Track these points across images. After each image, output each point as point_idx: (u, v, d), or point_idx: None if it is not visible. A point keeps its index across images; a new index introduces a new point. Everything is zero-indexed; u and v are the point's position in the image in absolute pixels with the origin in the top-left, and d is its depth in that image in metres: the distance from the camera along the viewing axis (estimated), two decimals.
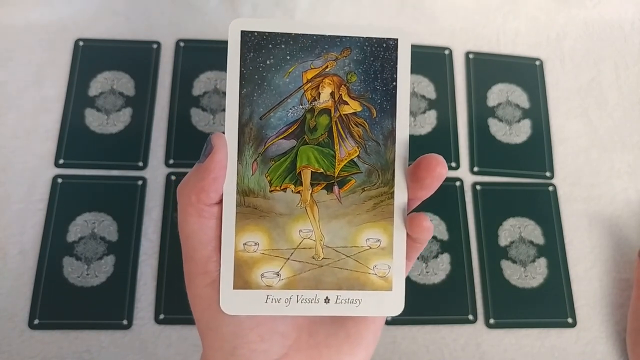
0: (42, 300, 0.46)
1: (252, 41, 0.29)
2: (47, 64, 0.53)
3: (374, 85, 0.30)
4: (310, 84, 0.29)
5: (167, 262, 0.48)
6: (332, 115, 0.30)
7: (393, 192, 0.29)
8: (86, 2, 0.56)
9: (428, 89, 0.55)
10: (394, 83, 0.30)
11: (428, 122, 0.54)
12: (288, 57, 0.29)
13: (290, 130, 0.29)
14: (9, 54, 0.54)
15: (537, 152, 0.54)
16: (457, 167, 0.53)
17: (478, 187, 0.52)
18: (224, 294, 0.28)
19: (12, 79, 0.53)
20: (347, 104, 0.30)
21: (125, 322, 0.46)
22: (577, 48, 0.59)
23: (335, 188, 0.30)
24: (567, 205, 0.52)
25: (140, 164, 0.50)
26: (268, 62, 0.29)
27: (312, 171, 0.29)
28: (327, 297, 0.29)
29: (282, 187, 0.29)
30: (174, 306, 0.46)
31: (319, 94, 0.30)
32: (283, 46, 0.29)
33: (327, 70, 0.29)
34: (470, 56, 0.57)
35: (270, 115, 0.29)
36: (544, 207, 0.52)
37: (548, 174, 0.53)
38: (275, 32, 0.29)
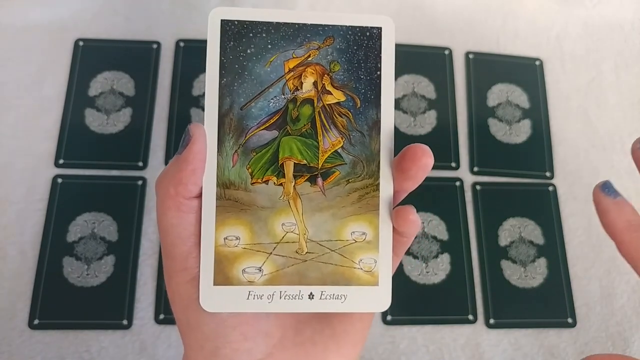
0: (42, 300, 0.46)
1: (232, 30, 0.28)
2: (47, 64, 0.53)
3: (357, 75, 0.29)
4: (292, 73, 0.29)
5: None
6: (315, 105, 0.29)
7: (378, 183, 0.29)
8: (86, 2, 0.56)
9: (428, 89, 0.55)
10: (378, 72, 0.29)
11: (428, 122, 0.54)
12: (269, 46, 0.28)
13: (272, 121, 0.29)
14: (9, 54, 0.54)
15: (537, 152, 0.54)
16: (457, 167, 0.53)
17: (478, 187, 0.52)
18: (203, 290, 0.27)
19: (12, 79, 0.53)
20: (331, 93, 0.29)
21: (125, 322, 0.46)
22: (577, 48, 0.59)
23: (319, 180, 0.29)
24: (567, 205, 0.52)
25: (140, 164, 0.50)
26: (249, 51, 0.28)
27: (294, 163, 0.29)
28: (311, 293, 0.28)
29: (264, 180, 0.28)
30: None
31: (302, 83, 0.29)
32: (264, 35, 0.28)
33: (309, 59, 0.29)
34: (470, 56, 0.57)
35: (251, 105, 0.28)
36: (544, 207, 0.52)
37: (548, 174, 0.53)
38: (256, 21, 0.28)
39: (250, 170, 0.28)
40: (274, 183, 0.28)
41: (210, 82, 0.28)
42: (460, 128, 0.55)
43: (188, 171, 0.27)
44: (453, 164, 0.53)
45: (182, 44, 0.55)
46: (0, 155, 0.50)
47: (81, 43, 0.54)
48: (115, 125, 0.52)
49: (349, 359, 0.30)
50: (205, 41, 0.59)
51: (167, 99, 0.53)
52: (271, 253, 0.28)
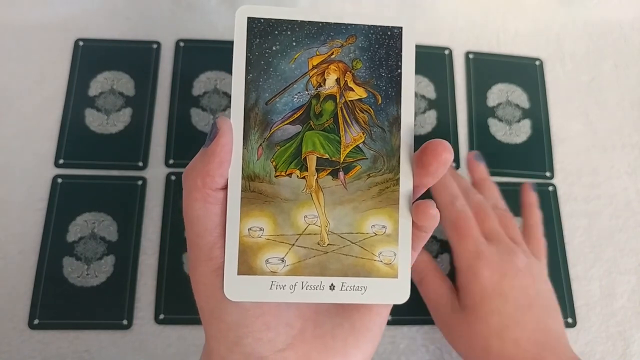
0: (42, 300, 0.46)
1: (258, 27, 0.29)
2: (47, 64, 0.53)
3: (379, 72, 0.30)
4: (315, 70, 0.30)
5: (167, 262, 0.48)
6: (338, 101, 0.30)
7: (398, 178, 0.29)
8: (86, 2, 0.56)
9: (428, 89, 0.55)
10: (399, 70, 0.30)
11: (428, 122, 0.54)
12: (294, 44, 0.29)
13: (296, 116, 0.30)
14: (9, 54, 0.54)
15: (537, 152, 0.54)
16: (457, 167, 0.53)
17: None
18: (228, 279, 0.28)
19: (12, 79, 0.53)
20: (353, 90, 0.30)
21: (125, 322, 0.46)
22: (577, 48, 0.59)
23: (341, 174, 0.30)
24: (567, 205, 0.52)
25: (140, 164, 0.50)
26: (274, 48, 0.29)
27: (317, 157, 0.30)
28: (332, 284, 0.29)
29: (287, 173, 0.29)
30: (174, 306, 0.46)
31: (325, 80, 0.30)
32: (289, 32, 0.29)
33: (332, 56, 0.30)
34: (470, 56, 0.57)
35: (276, 101, 0.29)
36: (544, 207, 0.52)
37: (548, 174, 0.53)
38: (281, 19, 0.29)
39: (274, 163, 0.29)
40: (297, 176, 0.29)
41: (236, 78, 0.29)
42: (460, 128, 0.55)
43: (215, 163, 0.28)
44: (453, 164, 0.53)
45: (182, 44, 0.55)
46: (0, 155, 0.50)
47: (81, 43, 0.54)
48: (115, 125, 0.52)
49: (366, 353, 0.31)
50: (206, 41, 0.59)
51: (167, 99, 0.53)
52: (294, 244, 0.29)
